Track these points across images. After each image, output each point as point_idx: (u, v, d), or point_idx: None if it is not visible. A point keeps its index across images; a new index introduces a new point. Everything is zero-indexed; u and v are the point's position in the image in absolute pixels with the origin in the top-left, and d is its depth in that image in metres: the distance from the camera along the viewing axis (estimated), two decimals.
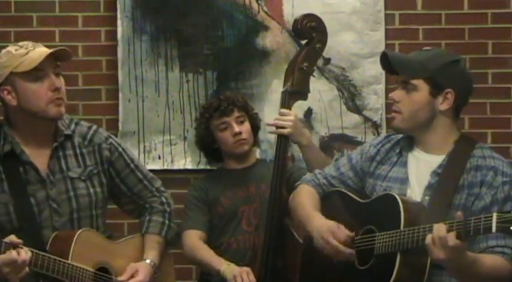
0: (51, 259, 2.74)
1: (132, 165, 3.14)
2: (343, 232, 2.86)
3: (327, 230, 2.87)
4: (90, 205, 3.00)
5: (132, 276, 2.97)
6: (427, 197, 2.82)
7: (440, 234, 2.52)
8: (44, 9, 4.41)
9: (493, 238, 2.71)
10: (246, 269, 3.37)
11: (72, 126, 3.03)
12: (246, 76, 4.37)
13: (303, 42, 3.55)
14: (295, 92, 3.45)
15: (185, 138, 4.38)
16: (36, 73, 2.84)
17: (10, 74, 2.84)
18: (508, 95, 4.37)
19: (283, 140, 3.42)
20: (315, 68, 3.49)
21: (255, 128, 3.68)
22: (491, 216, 2.44)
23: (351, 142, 4.34)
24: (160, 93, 4.38)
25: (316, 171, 3.20)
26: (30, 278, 2.74)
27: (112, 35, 4.38)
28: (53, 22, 4.40)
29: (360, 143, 4.33)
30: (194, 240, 3.54)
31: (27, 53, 2.85)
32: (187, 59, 4.37)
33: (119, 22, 4.36)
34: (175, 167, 4.39)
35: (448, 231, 2.52)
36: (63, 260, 2.79)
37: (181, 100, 4.38)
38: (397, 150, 2.98)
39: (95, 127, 3.11)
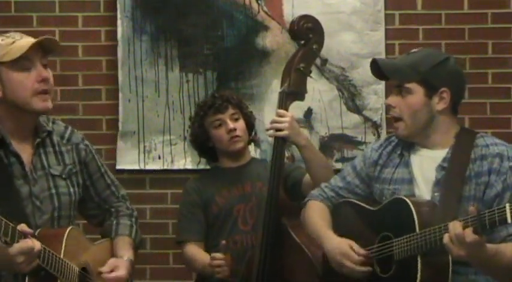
0: (50, 252, 2.70)
1: (102, 170, 3.12)
2: (356, 252, 2.86)
3: (340, 254, 2.88)
4: (70, 204, 2.96)
5: (112, 271, 2.94)
6: (436, 194, 2.81)
7: (456, 231, 2.51)
8: (44, 9, 4.40)
9: (505, 229, 2.70)
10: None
11: (50, 123, 2.99)
12: (246, 76, 4.37)
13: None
14: (292, 92, 3.44)
15: (185, 138, 4.37)
16: (22, 63, 2.77)
17: None
18: (508, 95, 4.37)
19: (280, 141, 3.40)
20: (312, 68, 3.49)
21: (250, 125, 3.68)
22: (505, 207, 2.44)
23: (351, 142, 4.34)
24: (160, 93, 4.38)
25: (322, 184, 3.19)
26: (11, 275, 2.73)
27: (112, 35, 4.38)
28: (53, 22, 4.40)
29: (360, 143, 4.34)
30: (194, 251, 3.56)
31: (13, 42, 2.77)
32: (187, 59, 4.37)
33: (119, 22, 4.36)
34: (175, 167, 4.39)
35: (464, 227, 2.51)
36: (58, 255, 2.76)
37: (181, 100, 4.38)
38: (399, 152, 2.98)
39: (70, 127, 3.07)
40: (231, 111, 3.59)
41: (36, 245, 2.59)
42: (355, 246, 2.87)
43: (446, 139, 2.89)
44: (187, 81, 4.38)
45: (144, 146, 4.38)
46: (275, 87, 4.30)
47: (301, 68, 3.43)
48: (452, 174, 2.81)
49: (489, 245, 2.59)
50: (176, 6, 4.36)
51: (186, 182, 3.76)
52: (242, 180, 3.61)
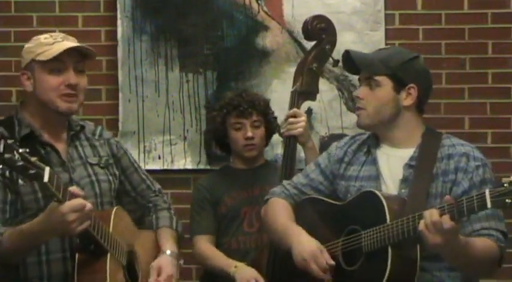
0: (101, 223, 2.70)
1: (135, 165, 3.16)
2: (325, 258, 2.84)
3: (310, 254, 2.85)
4: (110, 191, 2.98)
5: (159, 275, 2.94)
6: (403, 190, 2.84)
7: (433, 218, 2.54)
8: (44, 9, 4.41)
9: (477, 221, 2.74)
10: (255, 274, 3.38)
11: (81, 122, 3.06)
12: (246, 76, 4.37)
13: (313, 43, 3.56)
14: (305, 92, 3.48)
15: (185, 138, 4.38)
16: (54, 65, 2.84)
17: (32, 60, 2.86)
18: (508, 95, 4.37)
19: (293, 140, 3.43)
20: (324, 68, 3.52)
21: (270, 132, 3.69)
22: (484, 193, 2.47)
23: None
24: (160, 93, 4.38)
25: (285, 182, 3.19)
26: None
27: (112, 35, 4.38)
28: (53, 22, 4.40)
29: None
30: (206, 246, 3.56)
31: (53, 43, 2.86)
32: (187, 59, 4.37)
33: (119, 22, 4.36)
34: (175, 167, 4.39)
35: (441, 215, 2.54)
36: (108, 229, 2.76)
37: (181, 100, 4.38)
38: (365, 150, 3.00)
39: (100, 126, 3.14)
40: (254, 117, 3.60)
41: (88, 204, 2.59)
42: (326, 254, 2.86)
43: (412, 138, 2.92)
44: (187, 81, 4.38)
45: (144, 146, 4.38)
46: (275, 87, 4.31)
47: (314, 68, 3.48)
48: (420, 172, 2.84)
49: (461, 236, 2.62)
50: (176, 6, 4.36)
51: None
52: (252, 183, 3.63)
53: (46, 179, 2.46)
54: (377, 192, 2.80)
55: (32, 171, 2.45)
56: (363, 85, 2.95)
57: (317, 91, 3.50)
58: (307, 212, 3.06)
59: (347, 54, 2.98)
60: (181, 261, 3.08)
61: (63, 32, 4.32)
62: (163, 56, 4.38)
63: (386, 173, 2.91)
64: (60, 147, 2.91)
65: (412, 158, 2.88)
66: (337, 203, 2.98)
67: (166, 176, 4.39)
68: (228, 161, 3.89)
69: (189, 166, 4.38)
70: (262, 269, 3.40)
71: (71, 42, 2.91)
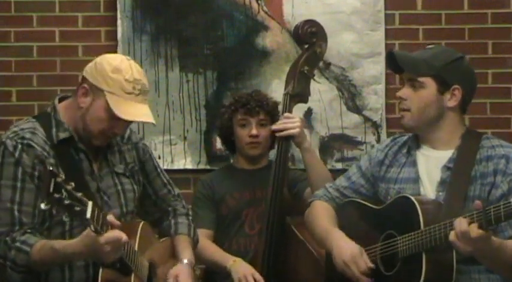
0: (129, 245, 2.73)
1: (158, 169, 3.16)
2: (365, 261, 2.86)
3: (350, 257, 2.86)
4: (134, 201, 3.00)
5: None
6: (440, 193, 2.83)
7: (462, 229, 2.54)
8: (44, 9, 4.41)
9: (510, 228, 2.73)
10: (252, 270, 3.37)
11: None
12: (246, 76, 4.37)
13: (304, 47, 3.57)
14: (296, 94, 3.50)
15: (185, 138, 4.38)
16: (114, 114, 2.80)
17: (100, 88, 2.78)
18: (508, 95, 4.37)
19: (285, 141, 3.45)
20: (315, 71, 3.53)
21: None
22: (511, 202, 2.47)
23: (351, 142, 4.35)
24: (160, 93, 4.38)
25: (327, 184, 3.20)
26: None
27: (112, 35, 4.38)
28: (53, 22, 4.40)
29: (360, 143, 4.34)
30: (202, 239, 3.55)
31: (130, 93, 2.78)
32: (187, 59, 4.37)
33: (119, 22, 4.36)
34: (175, 167, 4.38)
35: (470, 223, 2.53)
36: (134, 249, 2.79)
37: (181, 100, 4.39)
38: (405, 151, 2.99)
39: (130, 128, 3.11)
40: (261, 116, 3.61)
41: (123, 236, 2.60)
42: (365, 256, 2.88)
43: (452, 139, 2.90)
44: (187, 81, 4.38)
45: None
46: (275, 87, 4.30)
47: (305, 71, 3.50)
48: (458, 174, 2.82)
49: (494, 238, 2.61)
50: (176, 6, 4.36)
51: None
52: (254, 185, 3.62)
53: (89, 215, 2.47)
54: (411, 197, 2.79)
55: (77, 209, 2.47)
56: (407, 86, 2.92)
57: (309, 94, 3.53)
58: (348, 215, 3.07)
59: (391, 55, 2.96)
60: (198, 271, 3.11)
61: (63, 32, 4.40)
62: (163, 56, 4.38)
63: (425, 175, 2.90)
64: (92, 154, 2.91)
65: (450, 160, 2.86)
66: (375, 207, 2.99)
67: None
68: (228, 162, 3.89)
69: (189, 166, 4.38)
70: (258, 265, 3.40)
71: (143, 105, 2.82)
